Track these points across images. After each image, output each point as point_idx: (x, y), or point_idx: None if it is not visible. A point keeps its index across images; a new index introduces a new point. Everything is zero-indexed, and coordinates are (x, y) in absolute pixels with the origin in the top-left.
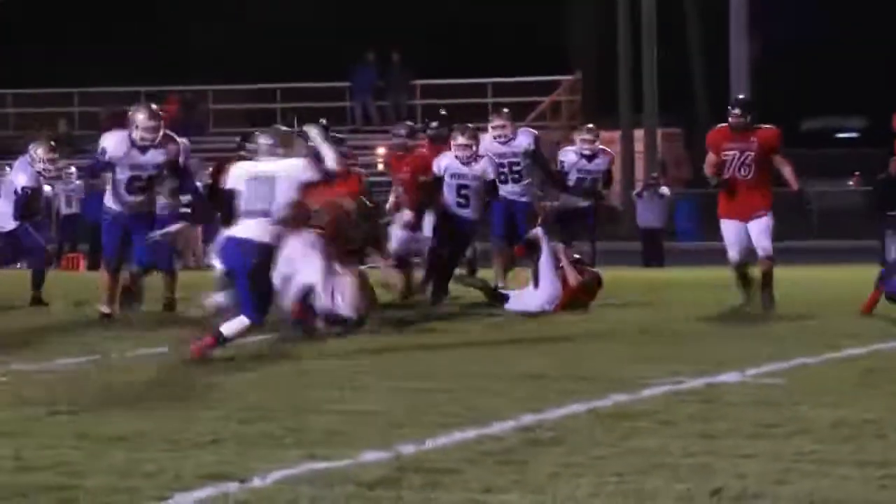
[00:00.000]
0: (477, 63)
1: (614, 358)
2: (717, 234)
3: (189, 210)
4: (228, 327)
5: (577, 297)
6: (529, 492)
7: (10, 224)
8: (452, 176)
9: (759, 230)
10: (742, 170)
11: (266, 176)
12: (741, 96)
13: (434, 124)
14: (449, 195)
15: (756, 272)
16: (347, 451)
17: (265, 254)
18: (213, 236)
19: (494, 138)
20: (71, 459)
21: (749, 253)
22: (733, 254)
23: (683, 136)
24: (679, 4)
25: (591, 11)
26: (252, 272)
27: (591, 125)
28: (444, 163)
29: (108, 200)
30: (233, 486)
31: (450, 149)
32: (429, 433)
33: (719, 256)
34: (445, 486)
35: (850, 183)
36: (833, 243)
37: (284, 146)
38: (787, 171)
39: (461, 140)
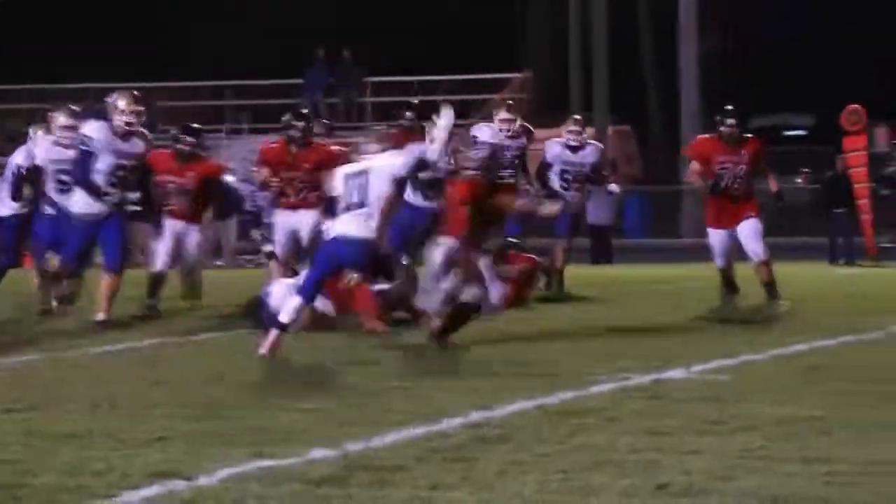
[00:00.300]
0: (427, 61)
1: (562, 354)
2: (665, 232)
3: (139, 208)
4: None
5: (521, 293)
6: (477, 489)
7: (5, 210)
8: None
9: (748, 233)
10: (736, 183)
11: (361, 171)
12: (730, 107)
13: (409, 115)
14: (415, 186)
15: (756, 278)
16: (296, 449)
17: (372, 249)
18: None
19: (501, 131)
20: (20, 457)
21: (734, 257)
22: (720, 262)
23: (634, 133)
24: (631, 2)
25: (544, 9)
26: (365, 267)
27: (577, 116)
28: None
29: (81, 201)
30: (180, 485)
31: (421, 140)
32: (377, 431)
33: (667, 254)
34: (393, 483)
35: (799, 180)
36: (781, 240)
37: (379, 143)
38: (771, 179)
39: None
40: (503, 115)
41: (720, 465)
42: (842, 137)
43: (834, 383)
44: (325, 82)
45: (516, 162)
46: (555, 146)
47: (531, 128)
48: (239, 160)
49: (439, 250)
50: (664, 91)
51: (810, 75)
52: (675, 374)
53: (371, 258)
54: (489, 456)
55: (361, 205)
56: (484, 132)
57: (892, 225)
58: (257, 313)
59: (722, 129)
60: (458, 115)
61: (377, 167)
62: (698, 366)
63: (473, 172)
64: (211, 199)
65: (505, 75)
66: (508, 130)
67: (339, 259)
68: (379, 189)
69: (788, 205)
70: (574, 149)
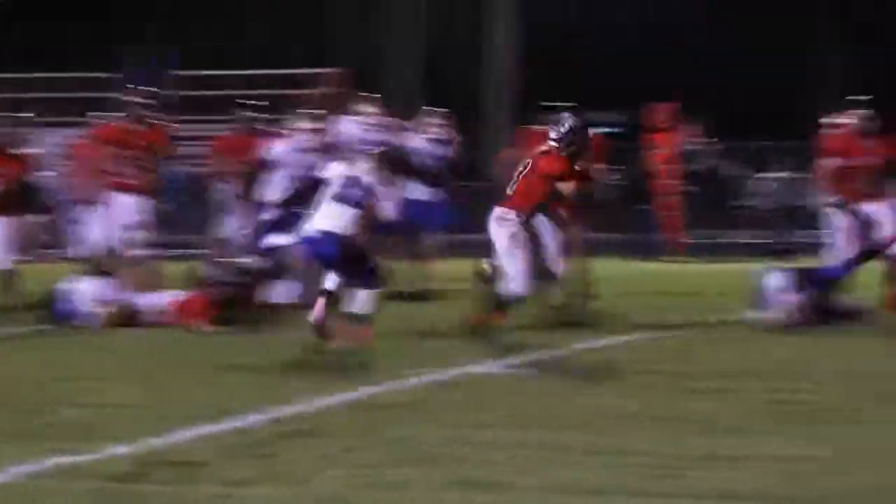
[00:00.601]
0: (236, 55)
1: (372, 349)
2: (469, 227)
3: None
4: (358, 307)
5: None
6: (281, 484)
7: None
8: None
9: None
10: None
11: (366, 181)
12: (573, 104)
13: (248, 114)
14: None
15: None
16: (96, 445)
17: (348, 242)
18: None
19: (362, 125)
20: None
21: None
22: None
23: None
24: None
25: (355, 3)
26: (343, 258)
27: (437, 109)
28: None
29: None
30: None
31: (260, 138)
32: (179, 426)
33: (478, 249)
34: (194, 479)
35: (608, 178)
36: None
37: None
38: (599, 175)
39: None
40: (368, 108)
41: (528, 458)
42: (650, 135)
43: (640, 377)
44: (132, 75)
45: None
46: (418, 141)
47: (402, 122)
48: (44, 154)
49: (505, 227)
50: (469, 86)
51: (619, 72)
52: (484, 368)
53: (347, 249)
54: (295, 451)
55: (356, 205)
56: (348, 126)
57: (699, 221)
58: (50, 309)
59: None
60: (268, 110)
61: (375, 189)
62: (507, 360)
63: (555, 145)
64: (19, 194)
65: (313, 70)
66: (371, 125)
67: (315, 252)
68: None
69: (595, 201)
70: (438, 144)
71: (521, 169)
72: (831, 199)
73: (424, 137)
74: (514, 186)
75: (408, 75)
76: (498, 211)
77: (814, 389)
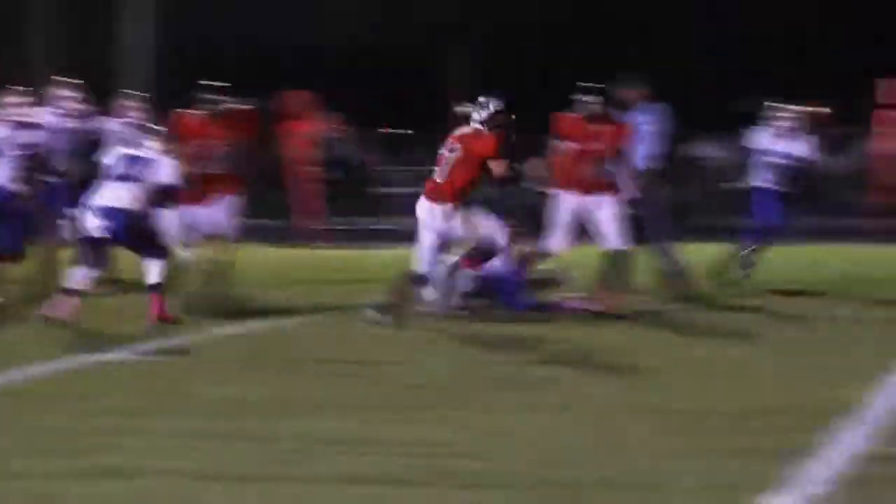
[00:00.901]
0: None
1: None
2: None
3: None
4: (156, 277)
5: None
6: None
7: None
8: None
9: (217, 212)
10: (215, 163)
11: (147, 158)
12: (220, 83)
13: None
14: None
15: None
16: None
17: (132, 219)
18: None
19: (57, 110)
20: None
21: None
22: (192, 237)
23: None
24: None
25: None
26: (131, 233)
27: (137, 93)
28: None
29: None
30: None
31: None
32: None
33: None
34: None
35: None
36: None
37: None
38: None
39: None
40: (66, 92)
41: (163, 444)
42: (285, 122)
43: (282, 363)
44: None
45: (88, 144)
46: (112, 125)
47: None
48: None
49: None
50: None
51: (258, 60)
52: (119, 354)
53: (131, 226)
54: None
55: (130, 179)
56: (45, 114)
57: (337, 208)
58: None
59: (208, 105)
60: None
61: (157, 162)
62: (142, 346)
63: (480, 127)
64: None
65: None
66: (71, 112)
67: (104, 228)
68: (154, 177)
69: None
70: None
71: (449, 154)
72: (550, 187)
73: (120, 123)
74: (446, 175)
75: (54, 72)
76: (437, 209)
77: (446, 375)
